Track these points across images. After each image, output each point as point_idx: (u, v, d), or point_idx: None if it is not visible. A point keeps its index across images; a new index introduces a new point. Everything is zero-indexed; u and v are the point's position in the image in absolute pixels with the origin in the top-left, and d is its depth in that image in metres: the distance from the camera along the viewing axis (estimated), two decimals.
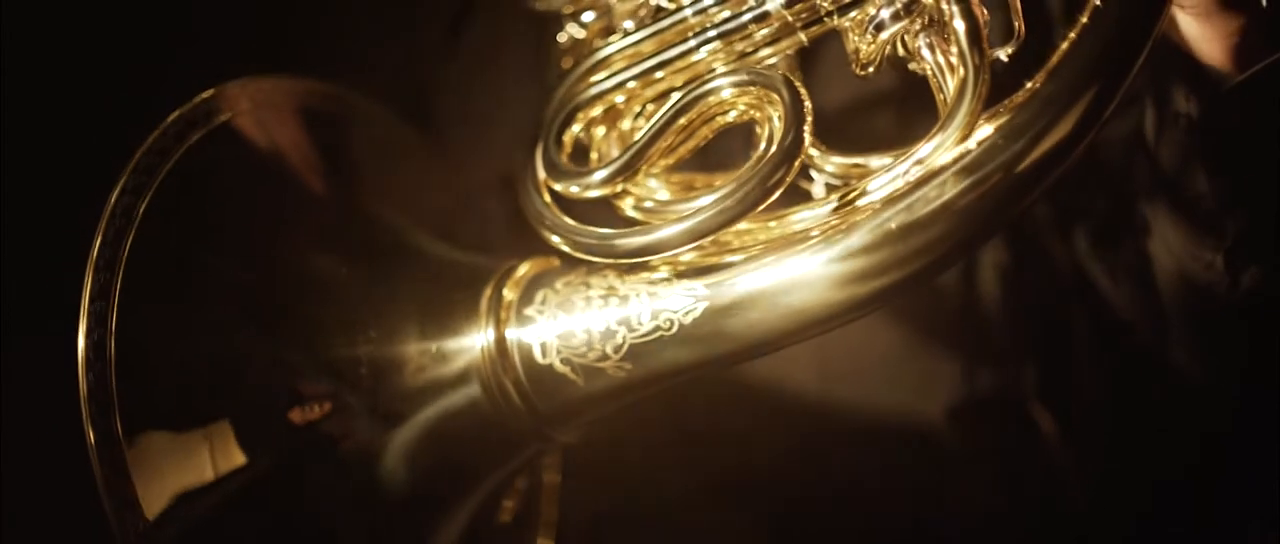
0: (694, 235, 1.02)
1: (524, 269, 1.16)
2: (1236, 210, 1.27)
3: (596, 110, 1.18)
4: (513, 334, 1.12)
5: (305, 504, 1.14)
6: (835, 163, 1.15)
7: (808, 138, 1.02)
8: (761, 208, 1.01)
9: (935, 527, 1.58)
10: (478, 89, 1.48)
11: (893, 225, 0.96)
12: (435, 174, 1.41)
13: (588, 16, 1.28)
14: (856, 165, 1.13)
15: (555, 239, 1.12)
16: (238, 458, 1.10)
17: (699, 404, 1.45)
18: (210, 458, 1.09)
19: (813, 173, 1.16)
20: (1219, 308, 1.38)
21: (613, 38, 1.19)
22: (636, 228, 1.06)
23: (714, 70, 1.12)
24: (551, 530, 1.44)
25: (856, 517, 1.56)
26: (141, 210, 1.08)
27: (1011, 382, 1.61)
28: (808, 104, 1.03)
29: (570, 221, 1.11)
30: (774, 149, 1.02)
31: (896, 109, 1.42)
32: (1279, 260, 1.31)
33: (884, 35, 1.04)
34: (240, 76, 1.21)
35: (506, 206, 1.19)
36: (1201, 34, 1.17)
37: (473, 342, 1.14)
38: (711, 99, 1.08)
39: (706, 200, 1.05)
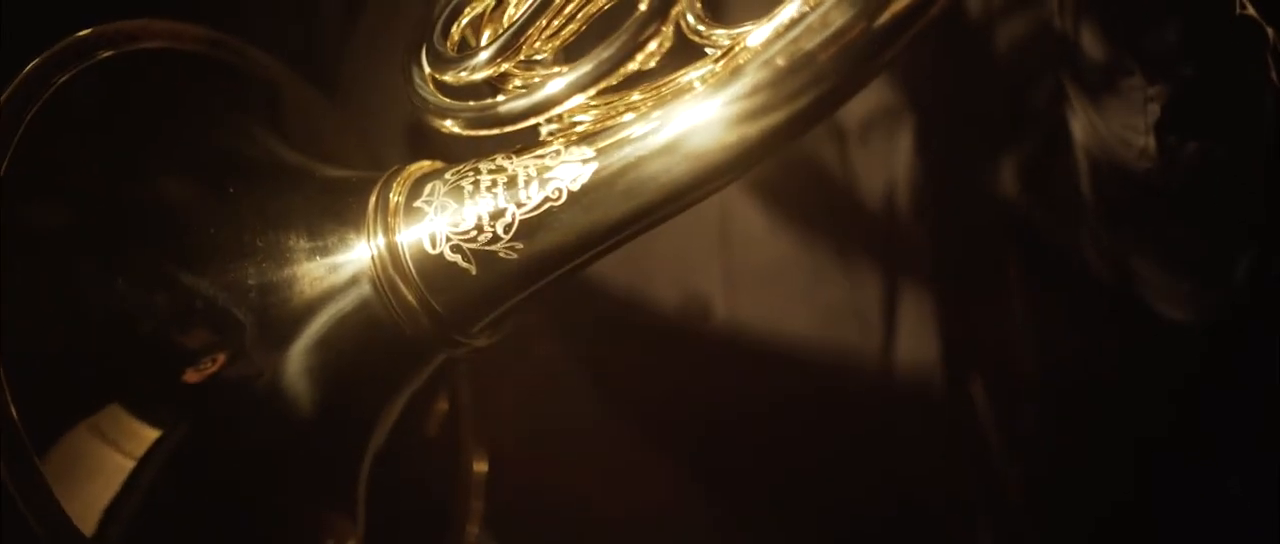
0: (569, 91, 0.99)
1: (412, 168, 1.11)
2: (1160, 80, 1.23)
3: (482, 6, 1.15)
4: (402, 232, 1.07)
5: (231, 458, 1.11)
6: (727, 35, 1.11)
7: None
8: (636, 61, 0.99)
9: (857, 497, 1.52)
10: (377, 61, 1.44)
11: (779, 62, 0.92)
12: (330, 119, 1.38)
13: None
14: (746, 32, 1.08)
15: (441, 121, 1.07)
16: (149, 436, 1.06)
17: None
18: (123, 447, 1.05)
19: (707, 50, 1.12)
20: (1161, 203, 1.33)
21: None
22: (518, 91, 1.02)
23: None
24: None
25: (778, 480, 1.51)
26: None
27: (943, 343, 1.55)
28: None
29: (452, 100, 1.07)
30: (645, 5, 0.99)
31: None
32: (1212, 129, 1.26)
33: None
34: None
35: (410, 152, 1.15)
36: None
37: (362, 245, 1.09)
38: None
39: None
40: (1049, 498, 1.64)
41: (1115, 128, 1.28)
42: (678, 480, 1.53)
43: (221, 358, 1.09)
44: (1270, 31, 1.31)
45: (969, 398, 1.59)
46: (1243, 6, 1.27)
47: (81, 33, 1.13)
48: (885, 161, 1.48)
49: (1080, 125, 1.33)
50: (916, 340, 1.54)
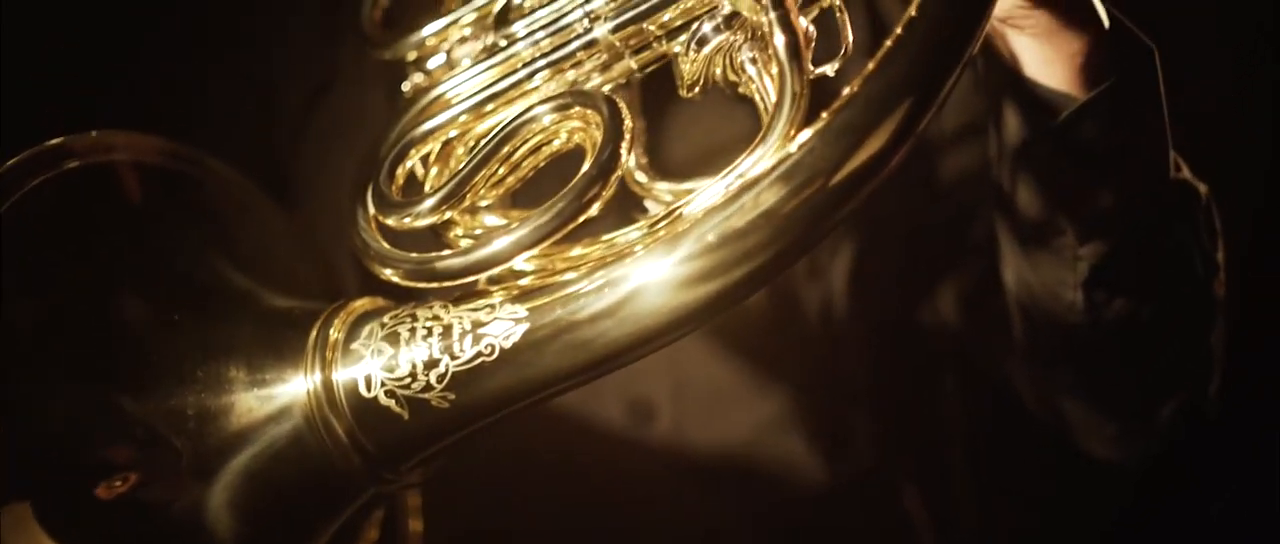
0: (509, 252, 1.01)
1: (353, 307, 1.13)
2: (1092, 240, 1.26)
3: (430, 146, 1.17)
4: (338, 370, 1.09)
5: None
6: (670, 189, 1.13)
7: (626, 154, 1.01)
8: (577, 223, 1.00)
9: None
10: (337, 154, 1.46)
11: (711, 237, 0.94)
12: (283, 232, 1.39)
13: (434, 62, 1.27)
14: (689, 190, 1.11)
15: (380, 269, 1.09)
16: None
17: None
18: None
19: (648, 204, 1.15)
20: (1089, 351, 1.36)
21: (448, 74, 1.18)
22: (456, 250, 1.04)
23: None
24: None
25: None
26: None
27: (881, 462, 1.58)
28: (628, 122, 1.02)
29: (392, 248, 1.09)
30: (589, 164, 1.00)
31: None
32: (1140, 288, 1.29)
33: (707, 49, 1.03)
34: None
35: (359, 268, 1.17)
36: (1042, 56, 1.17)
37: (298, 381, 1.10)
38: (532, 125, 1.07)
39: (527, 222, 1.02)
40: None
41: (1046, 280, 1.31)
42: None
43: (134, 478, 1.09)
44: (1203, 190, 1.34)
45: (905, 511, 1.61)
46: (1178, 169, 1.30)
47: (52, 142, 1.16)
48: (827, 278, 1.51)
49: (1011, 273, 1.36)
50: (856, 453, 1.56)
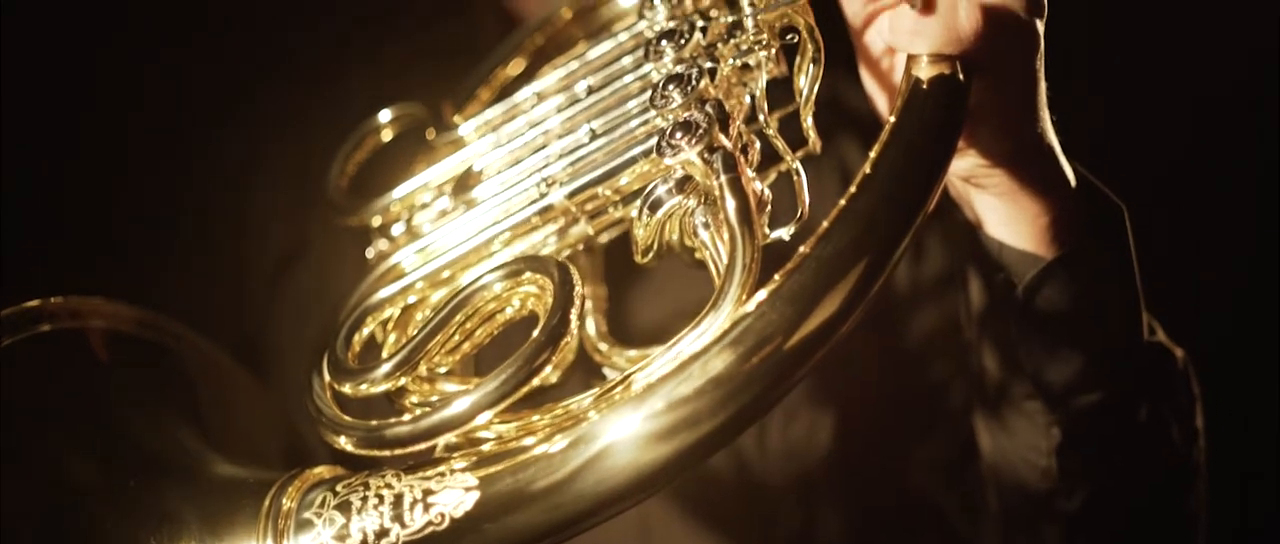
0: (457, 421, 0.99)
1: (308, 475, 1.11)
2: (1061, 407, 1.24)
3: (388, 312, 1.16)
4: (289, 540, 1.06)
5: None
6: (625, 358, 1.12)
7: (577, 320, 1.00)
8: (527, 389, 0.99)
9: None
10: (308, 321, 1.45)
11: (659, 404, 0.92)
12: (251, 400, 1.38)
13: (397, 229, 1.27)
14: (643, 355, 1.10)
15: (333, 437, 1.08)
16: None
17: None
18: None
19: (606, 371, 1.14)
20: (1065, 519, 1.33)
21: (408, 240, 1.18)
22: (403, 418, 1.02)
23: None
24: None
25: None
26: None
27: None
28: (579, 288, 1.01)
29: (343, 417, 1.07)
30: (539, 330, 0.99)
31: None
32: (1115, 456, 1.27)
33: (660, 213, 1.03)
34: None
35: None
36: (1006, 216, 1.16)
37: None
38: (484, 293, 1.07)
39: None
40: None
41: (1019, 447, 1.29)
42: None
43: None
44: (1180, 354, 1.32)
45: None
46: (1152, 332, 1.29)
47: (27, 304, 1.16)
48: (805, 447, 1.48)
49: (986, 437, 1.34)
50: None
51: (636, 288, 1.39)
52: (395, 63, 1.63)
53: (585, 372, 1.17)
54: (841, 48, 1.17)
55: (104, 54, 1.71)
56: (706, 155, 1.00)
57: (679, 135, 1.01)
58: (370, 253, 1.28)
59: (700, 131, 1.01)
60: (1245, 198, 2.10)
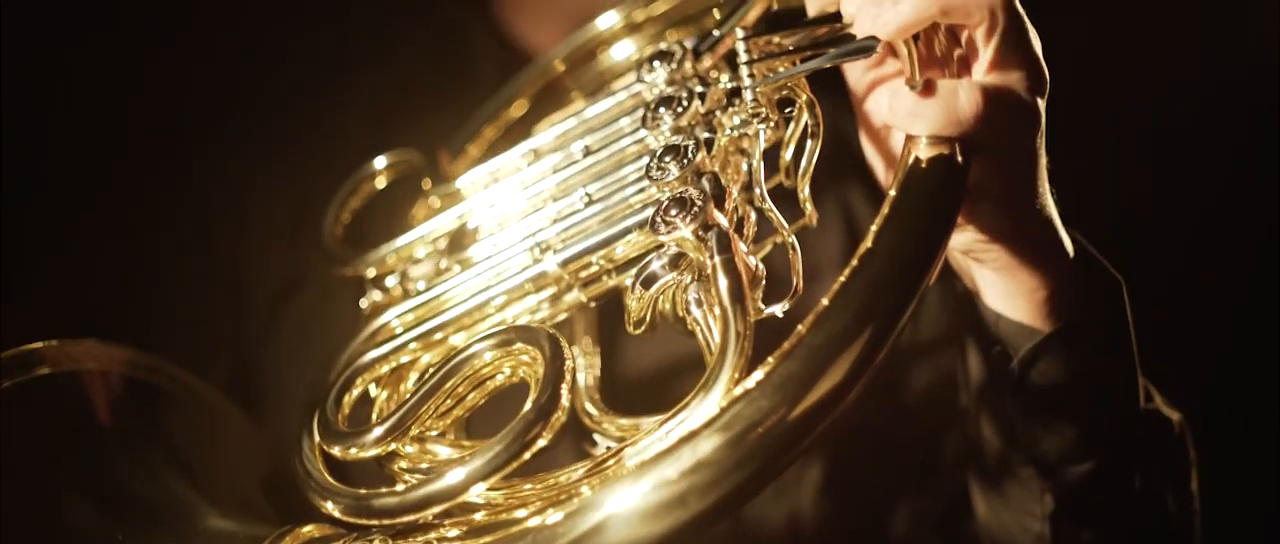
0: (446, 495, 0.98)
1: (299, 532, 1.11)
2: (1055, 475, 1.23)
3: (380, 372, 1.15)
4: None
5: None
6: (616, 425, 1.11)
7: (566, 395, 0.99)
8: (516, 465, 0.97)
9: None
10: (304, 364, 1.44)
11: (648, 485, 0.91)
12: (246, 447, 1.37)
13: (391, 282, 1.26)
14: (634, 426, 1.09)
15: (320, 502, 1.07)
16: None
17: None
18: None
19: (596, 437, 1.13)
20: None
21: (400, 298, 1.17)
22: (391, 489, 1.02)
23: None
24: None
25: None
26: None
27: None
28: (570, 361, 1.00)
29: (332, 482, 1.07)
30: (529, 406, 0.98)
31: None
32: (1109, 524, 1.26)
33: (654, 289, 1.02)
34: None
35: None
36: (1004, 290, 1.15)
37: None
38: (475, 360, 1.06)
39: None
40: None
41: (1014, 512, 1.28)
42: None
43: None
44: (1176, 419, 1.31)
45: None
46: (1149, 398, 1.28)
47: (27, 346, 1.16)
48: (794, 496, 1.48)
49: (981, 501, 1.33)
50: None
51: (629, 344, 1.38)
52: (393, 96, 1.62)
53: (576, 435, 1.16)
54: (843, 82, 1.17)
55: (94, 87, 1.71)
56: (701, 233, 0.99)
57: (674, 212, 1.01)
58: (364, 303, 1.27)
59: (695, 210, 1.00)
60: (1246, 198, 2.09)
